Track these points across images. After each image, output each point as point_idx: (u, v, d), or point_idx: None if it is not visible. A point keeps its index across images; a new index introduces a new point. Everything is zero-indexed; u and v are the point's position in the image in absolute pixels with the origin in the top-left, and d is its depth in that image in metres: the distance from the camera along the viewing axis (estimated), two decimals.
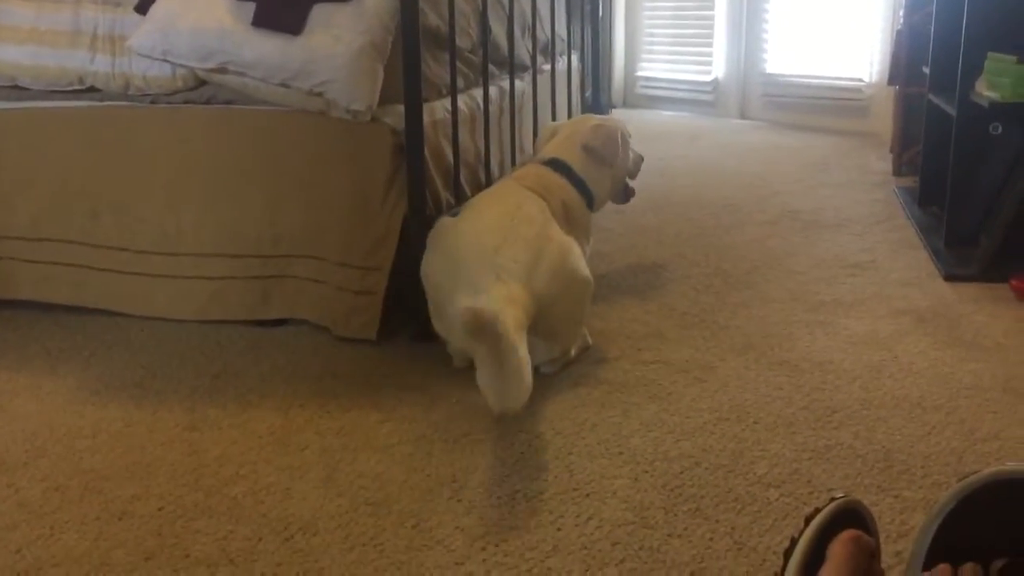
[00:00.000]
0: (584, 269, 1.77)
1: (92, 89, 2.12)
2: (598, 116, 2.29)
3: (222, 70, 1.94)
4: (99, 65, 2.09)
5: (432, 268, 1.78)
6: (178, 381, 1.76)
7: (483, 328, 1.38)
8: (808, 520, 0.89)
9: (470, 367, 1.75)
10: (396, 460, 1.44)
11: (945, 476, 1.35)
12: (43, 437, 1.54)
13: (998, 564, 0.79)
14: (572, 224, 1.93)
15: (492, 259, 1.65)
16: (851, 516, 0.90)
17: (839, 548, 0.84)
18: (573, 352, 1.80)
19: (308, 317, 1.99)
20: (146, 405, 1.66)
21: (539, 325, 1.65)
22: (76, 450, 1.50)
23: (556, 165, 2.02)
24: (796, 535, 0.89)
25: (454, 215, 1.93)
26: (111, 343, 1.95)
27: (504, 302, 1.57)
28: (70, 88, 2.13)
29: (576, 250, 1.78)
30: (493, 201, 1.85)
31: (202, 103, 2.05)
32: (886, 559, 1.13)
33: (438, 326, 1.79)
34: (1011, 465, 0.83)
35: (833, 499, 0.91)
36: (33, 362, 1.86)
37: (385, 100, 1.90)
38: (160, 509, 1.32)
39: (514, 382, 1.40)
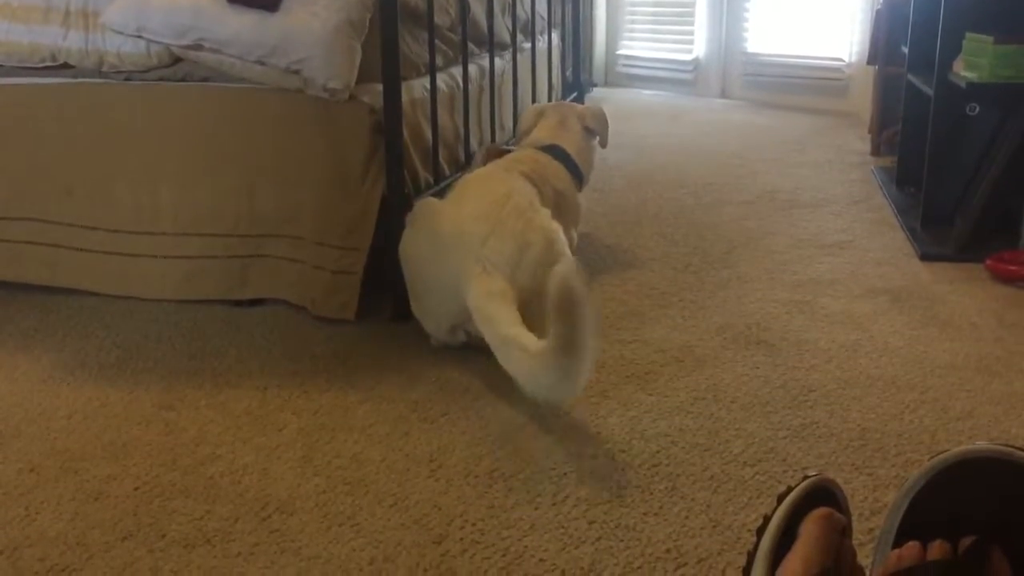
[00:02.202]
0: (568, 255, 1.77)
1: (65, 66, 2.09)
2: (576, 104, 2.34)
3: (197, 47, 1.92)
4: (72, 41, 2.06)
5: (413, 250, 1.77)
6: (154, 361, 1.75)
7: (574, 303, 1.31)
8: (780, 499, 0.90)
9: (448, 348, 1.76)
10: (374, 440, 1.44)
11: (919, 454, 1.37)
12: (18, 417, 1.53)
13: (966, 542, 0.79)
14: (563, 211, 1.94)
15: (478, 250, 1.65)
16: (823, 494, 0.90)
17: (810, 526, 0.85)
18: None
19: (286, 297, 1.98)
20: (122, 385, 1.65)
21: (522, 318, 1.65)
22: (51, 430, 1.49)
23: (556, 152, 2.06)
24: (769, 513, 0.89)
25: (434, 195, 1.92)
26: (86, 323, 1.93)
27: (489, 296, 1.57)
28: (42, 65, 2.10)
29: (562, 237, 1.77)
30: (482, 187, 1.83)
31: (177, 80, 2.03)
32: (859, 536, 1.14)
33: (416, 308, 1.78)
34: (981, 444, 0.84)
35: (806, 477, 0.92)
36: (7, 342, 1.85)
37: (363, 78, 1.88)
38: (136, 489, 1.31)
39: (584, 368, 1.35)
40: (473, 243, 1.66)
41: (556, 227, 1.77)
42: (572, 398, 1.42)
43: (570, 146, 2.10)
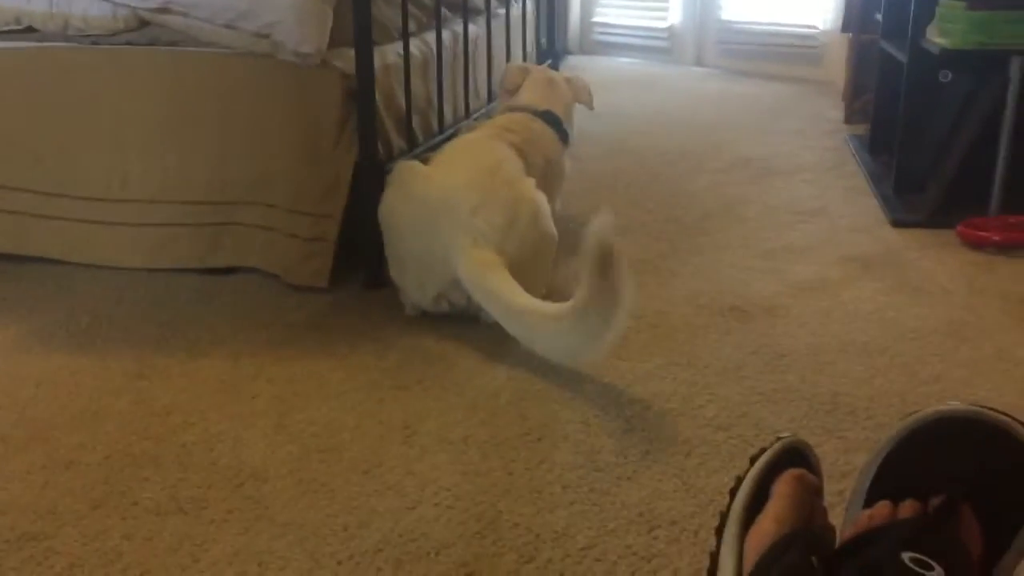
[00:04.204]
0: (551, 227, 1.75)
1: (30, 30, 2.05)
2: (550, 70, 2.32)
3: (165, 10, 1.88)
4: (36, 4, 2.01)
5: (397, 215, 1.74)
6: (125, 330, 1.73)
7: (612, 258, 1.34)
8: (753, 460, 0.90)
9: (422, 315, 1.75)
10: (347, 407, 1.44)
11: (888, 417, 1.38)
12: None
13: (936, 501, 0.80)
14: (550, 178, 1.93)
15: (469, 220, 1.63)
16: (795, 455, 0.91)
17: (783, 486, 0.86)
18: None
19: (258, 265, 1.96)
20: (93, 354, 1.63)
21: None
22: (20, 399, 1.47)
23: (549, 119, 2.05)
24: (742, 474, 0.90)
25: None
26: (56, 291, 1.91)
27: (485, 268, 1.56)
28: (6, 28, 2.05)
29: (546, 208, 1.75)
30: (472, 155, 1.81)
31: (145, 45, 1.99)
32: (830, 498, 1.15)
33: (397, 275, 1.76)
34: (952, 404, 0.85)
35: (778, 439, 0.92)
36: None
37: (335, 43, 1.86)
38: (107, 457, 1.30)
39: (614, 324, 1.38)
40: (463, 213, 1.64)
41: (542, 198, 1.75)
42: (597, 356, 1.44)
43: (561, 110, 2.10)
